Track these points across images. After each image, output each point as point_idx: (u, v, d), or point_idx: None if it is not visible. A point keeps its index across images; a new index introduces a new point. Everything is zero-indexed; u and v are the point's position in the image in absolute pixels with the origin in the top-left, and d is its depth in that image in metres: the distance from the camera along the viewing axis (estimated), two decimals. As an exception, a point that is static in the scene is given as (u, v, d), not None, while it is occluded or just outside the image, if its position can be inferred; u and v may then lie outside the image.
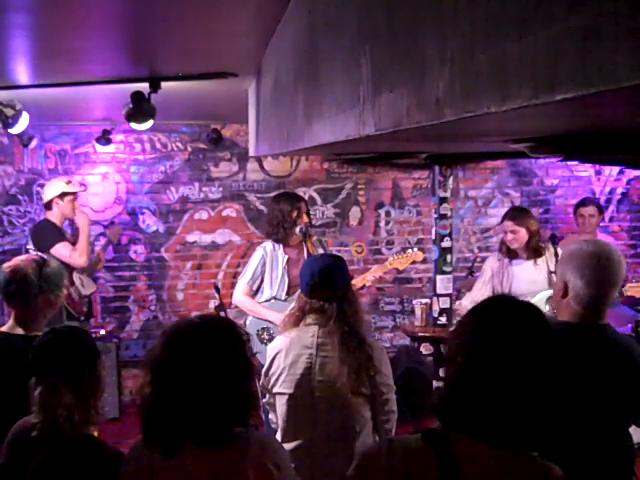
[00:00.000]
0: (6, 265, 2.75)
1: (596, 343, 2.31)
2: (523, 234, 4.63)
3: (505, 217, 4.79)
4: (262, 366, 4.50)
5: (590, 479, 2.30)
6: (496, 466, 1.47)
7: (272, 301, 4.44)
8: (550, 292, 4.55)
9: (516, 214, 4.72)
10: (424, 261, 6.62)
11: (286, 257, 4.43)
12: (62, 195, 5.10)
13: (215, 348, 1.76)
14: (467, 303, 4.78)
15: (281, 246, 4.45)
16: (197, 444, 1.75)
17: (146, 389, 1.78)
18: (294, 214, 4.42)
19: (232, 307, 6.33)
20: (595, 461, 2.30)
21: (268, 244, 4.48)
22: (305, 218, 4.47)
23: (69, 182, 5.22)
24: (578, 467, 2.28)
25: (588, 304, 2.28)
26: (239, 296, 4.48)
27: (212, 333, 1.79)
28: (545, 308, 4.53)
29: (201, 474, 1.75)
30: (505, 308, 1.55)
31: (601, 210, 5.72)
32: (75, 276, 5.19)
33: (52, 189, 5.18)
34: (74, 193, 5.19)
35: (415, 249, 5.12)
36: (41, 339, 2.16)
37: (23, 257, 2.85)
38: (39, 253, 2.84)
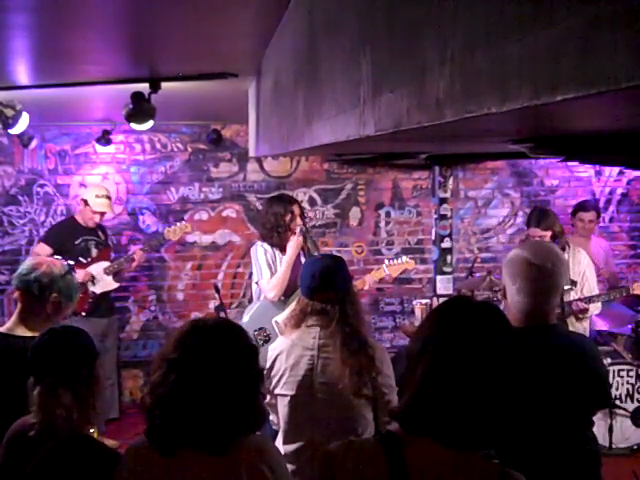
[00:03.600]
0: (34, 257, 2.82)
1: (543, 345, 2.29)
2: (549, 238, 4.64)
3: (531, 223, 4.76)
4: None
5: None
6: (448, 470, 1.47)
7: (269, 301, 4.43)
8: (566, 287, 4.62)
9: (542, 219, 4.67)
10: (423, 262, 6.64)
11: (283, 257, 4.42)
12: (85, 201, 5.43)
13: (234, 357, 1.77)
14: None
15: (277, 248, 4.43)
16: (196, 448, 1.75)
17: (157, 384, 1.77)
18: (287, 218, 4.37)
19: (232, 307, 6.35)
20: (558, 463, 2.27)
21: (265, 244, 4.46)
22: (299, 221, 4.43)
23: (101, 198, 5.41)
24: (542, 472, 2.26)
25: (525, 311, 2.30)
26: (270, 287, 4.33)
27: (233, 341, 1.80)
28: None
29: (197, 477, 1.75)
30: (467, 308, 1.56)
31: (599, 213, 5.72)
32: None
33: (86, 191, 5.58)
34: (98, 211, 5.42)
35: (407, 257, 5.20)
36: (40, 339, 2.16)
37: (53, 258, 2.89)
38: (69, 262, 2.88)
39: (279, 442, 2.81)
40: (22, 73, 4.01)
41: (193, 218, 6.39)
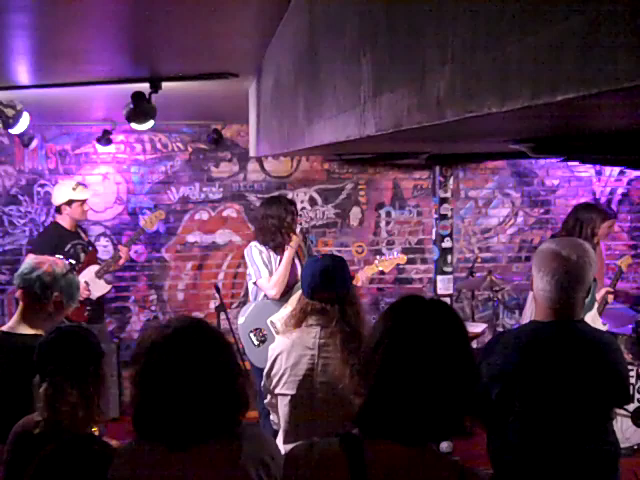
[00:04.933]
0: (35, 256, 2.83)
1: (566, 341, 2.32)
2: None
3: (612, 215, 4.83)
4: (255, 367, 4.51)
5: (573, 474, 2.31)
6: (409, 469, 1.48)
7: (266, 301, 4.43)
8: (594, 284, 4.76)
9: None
10: (424, 262, 6.64)
11: (278, 258, 4.43)
12: (69, 202, 5.24)
13: (196, 351, 1.76)
14: None
15: (272, 249, 4.44)
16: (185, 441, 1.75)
17: (134, 391, 1.79)
18: (289, 219, 4.41)
19: (233, 307, 6.35)
20: (578, 456, 2.31)
21: (259, 244, 4.47)
22: (298, 221, 4.49)
23: (77, 186, 5.30)
24: (562, 463, 2.30)
25: (551, 302, 2.31)
26: (271, 285, 4.36)
27: (188, 337, 1.79)
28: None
29: (200, 470, 1.75)
30: (417, 306, 1.57)
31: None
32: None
33: (59, 195, 5.31)
34: (82, 200, 5.29)
35: (399, 253, 5.30)
36: (47, 337, 2.17)
37: (55, 258, 2.88)
38: (70, 261, 2.86)
39: (279, 441, 2.81)
40: (23, 73, 4.01)
41: (193, 218, 6.40)
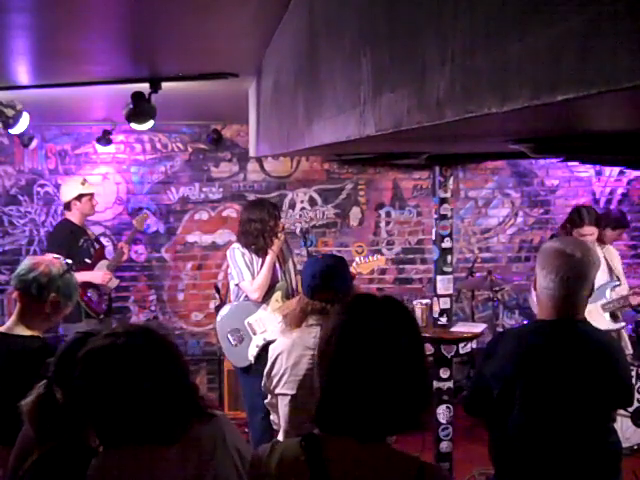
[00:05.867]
0: (32, 257, 2.81)
1: (568, 340, 2.33)
2: (597, 234, 4.73)
3: (584, 222, 4.71)
4: (236, 368, 4.54)
5: (575, 474, 2.32)
6: (368, 467, 1.49)
7: (245, 302, 4.44)
8: (614, 283, 4.77)
9: (593, 218, 4.69)
10: (423, 262, 6.64)
11: (260, 260, 4.43)
12: (79, 196, 5.29)
13: (138, 364, 1.74)
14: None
15: (254, 252, 4.44)
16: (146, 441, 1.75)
17: (93, 404, 1.78)
18: (272, 223, 4.43)
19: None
20: (579, 455, 2.32)
21: (241, 247, 4.47)
22: (280, 224, 4.50)
23: (84, 182, 5.37)
24: (563, 462, 2.30)
25: (554, 300, 2.31)
26: (254, 288, 4.39)
27: (141, 340, 1.78)
28: (608, 296, 4.72)
29: (192, 456, 1.76)
30: (368, 302, 1.59)
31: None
32: None
33: (69, 191, 5.39)
34: (91, 193, 5.35)
35: (378, 255, 5.30)
36: (67, 344, 2.13)
37: (52, 257, 2.87)
38: (68, 260, 2.86)
39: (279, 442, 2.81)
40: (22, 73, 4.00)
41: (193, 218, 6.40)
